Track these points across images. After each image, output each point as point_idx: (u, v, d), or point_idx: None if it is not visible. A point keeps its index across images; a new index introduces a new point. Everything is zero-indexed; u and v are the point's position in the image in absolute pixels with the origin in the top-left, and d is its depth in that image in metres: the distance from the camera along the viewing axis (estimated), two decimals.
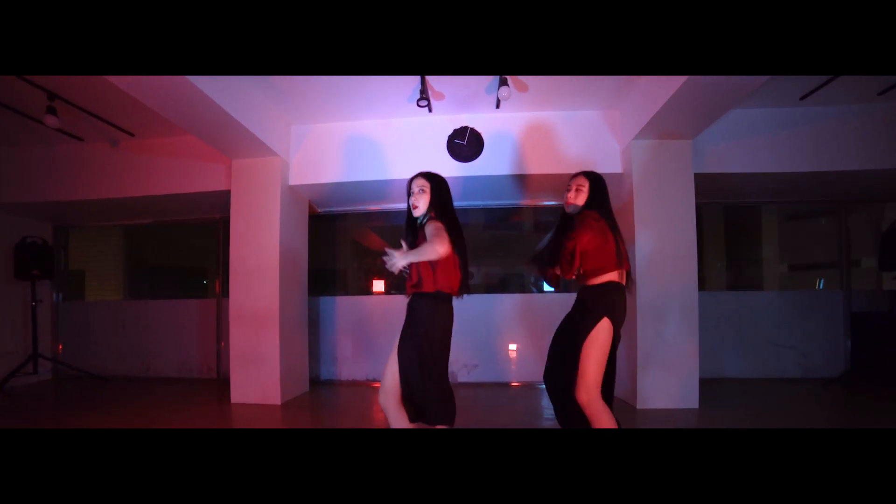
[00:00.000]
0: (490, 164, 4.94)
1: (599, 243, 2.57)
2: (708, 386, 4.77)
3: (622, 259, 2.64)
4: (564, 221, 2.84)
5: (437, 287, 2.51)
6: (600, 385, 2.49)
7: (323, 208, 6.17)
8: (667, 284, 4.47)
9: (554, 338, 2.83)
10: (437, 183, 2.64)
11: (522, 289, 6.31)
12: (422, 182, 2.60)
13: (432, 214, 2.57)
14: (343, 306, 6.14)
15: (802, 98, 4.56)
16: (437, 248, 2.28)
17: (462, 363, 5.86)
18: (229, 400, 4.84)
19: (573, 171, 4.80)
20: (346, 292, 6.39)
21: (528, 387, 5.66)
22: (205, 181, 5.34)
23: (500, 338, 5.94)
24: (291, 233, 5.15)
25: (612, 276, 2.61)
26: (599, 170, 4.76)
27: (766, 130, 4.81)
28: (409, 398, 2.47)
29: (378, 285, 6.40)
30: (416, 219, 2.63)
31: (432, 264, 2.47)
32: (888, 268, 5.25)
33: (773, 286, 6.56)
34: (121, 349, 6.62)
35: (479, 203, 6.05)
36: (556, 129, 4.91)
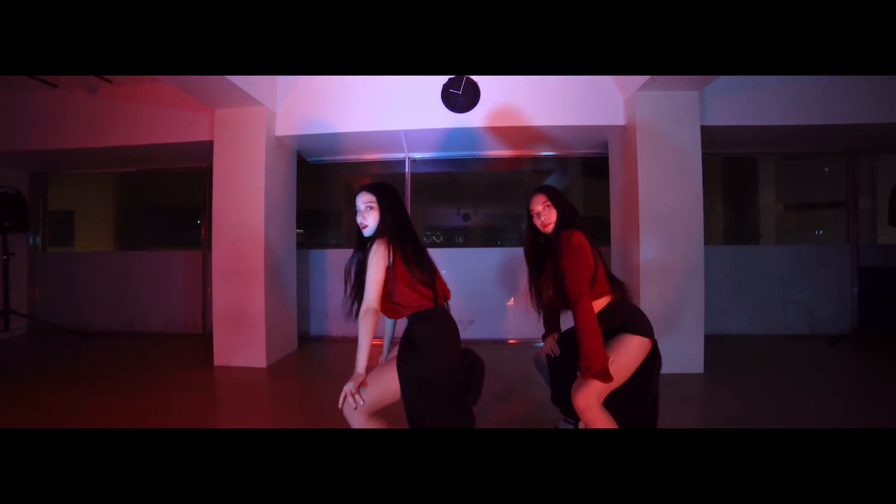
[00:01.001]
0: (486, 114, 4.65)
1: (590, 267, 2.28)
2: (712, 343, 4.61)
3: (604, 288, 2.37)
4: (540, 248, 2.56)
5: (412, 309, 2.21)
6: (603, 396, 2.16)
7: (313, 158, 5.87)
8: (671, 242, 4.25)
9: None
10: (385, 196, 2.29)
11: (519, 241, 6.08)
12: (368, 198, 2.24)
13: (378, 233, 2.22)
14: (334, 259, 5.92)
15: None
16: (371, 283, 2.07)
17: (457, 319, 5.60)
18: (213, 362, 4.64)
19: (574, 123, 4.58)
20: (338, 245, 6.15)
21: (525, 344, 5.51)
22: (187, 131, 5.04)
23: (498, 293, 5.76)
24: (278, 185, 4.88)
25: (609, 298, 2.38)
26: (601, 122, 4.57)
27: (775, 81, 4.50)
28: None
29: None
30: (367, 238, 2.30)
31: (390, 292, 2.17)
32: None
33: (773, 239, 6.45)
34: (102, 303, 6.39)
35: (476, 153, 5.78)
36: (556, 79, 4.60)
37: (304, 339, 5.77)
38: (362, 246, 2.28)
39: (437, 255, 5.98)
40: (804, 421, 3.06)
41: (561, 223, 2.37)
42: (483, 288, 5.73)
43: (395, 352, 2.28)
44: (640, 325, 2.28)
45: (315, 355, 5.13)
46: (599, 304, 2.32)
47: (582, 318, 2.11)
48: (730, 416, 3.21)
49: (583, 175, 6.27)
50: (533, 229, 2.51)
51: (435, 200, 6.66)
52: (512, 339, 5.68)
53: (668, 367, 4.10)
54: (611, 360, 2.09)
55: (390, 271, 2.13)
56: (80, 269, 6.48)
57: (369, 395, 2.02)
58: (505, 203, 6.55)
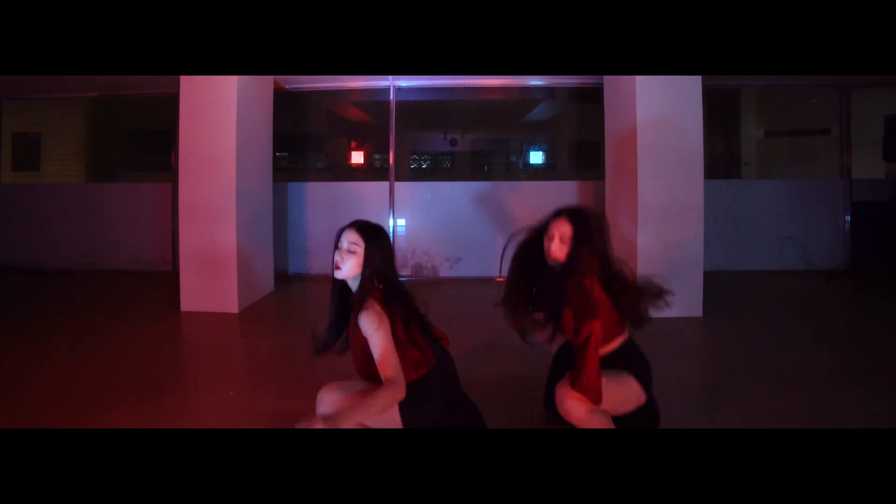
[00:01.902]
0: None
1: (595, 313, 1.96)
2: (709, 280, 4.45)
3: (624, 323, 2.10)
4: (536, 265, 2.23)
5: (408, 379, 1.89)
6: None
7: (292, 85, 5.43)
8: (670, 179, 4.02)
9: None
10: (374, 244, 1.94)
11: (508, 171, 5.84)
12: (354, 238, 1.92)
13: (366, 289, 1.92)
14: (315, 192, 5.64)
15: None
16: (385, 354, 1.81)
17: (444, 256, 5.49)
18: (179, 307, 4.32)
19: None
20: (319, 177, 5.80)
21: None
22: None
23: (485, 229, 5.50)
24: (252, 115, 4.50)
25: (618, 341, 2.10)
26: None
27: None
28: None
29: (357, 157, 5.89)
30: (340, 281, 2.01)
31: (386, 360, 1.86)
32: (891, 158, 5.01)
33: (754, 169, 6.47)
34: (64, 238, 6.01)
35: (462, 81, 5.41)
36: None
37: (283, 277, 5.51)
38: (339, 290, 2.04)
39: (422, 188, 5.85)
40: (808, 374, 2.85)
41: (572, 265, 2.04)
42: (470, 223, 5.49)
43: None
44: (641, 372, 2.07)
45: (293, 297, 4.92)
46: (609, 347, 2.06)
47: (588, 360, 1.86)
48: (735, 371, 2.98)
49: (575, 101, 5.95)
50: (534, 242, 2.20)
51: (421, 126, 6.36)
52: (501, 277, 5.42)
53: (666, 310, 3.97)
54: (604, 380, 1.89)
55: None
56: (40, 202, 6.08)
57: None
58: (492, 129, 6.28)
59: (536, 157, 6.39)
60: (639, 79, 3.97)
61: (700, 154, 4.01)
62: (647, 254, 4.05)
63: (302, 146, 6.16)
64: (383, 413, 1.78)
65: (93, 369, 2.97)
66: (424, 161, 6.74)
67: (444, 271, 5.47)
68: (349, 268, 1.91)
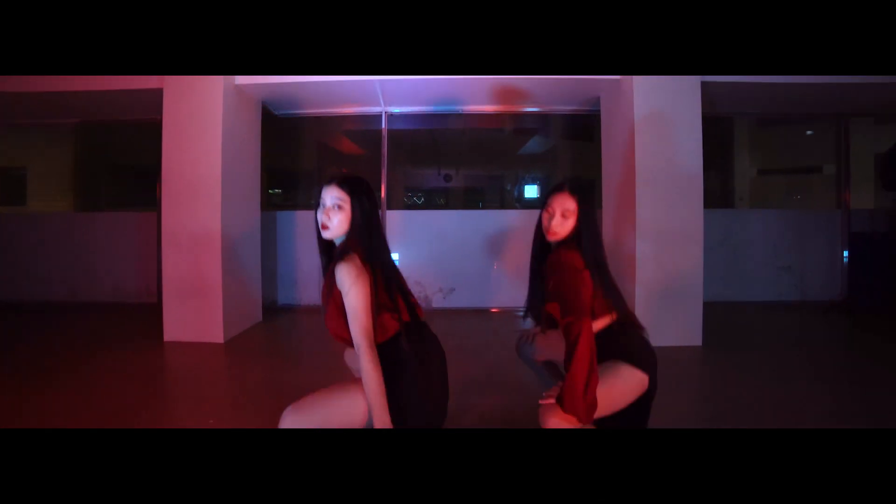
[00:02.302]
0: None
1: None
2: (705, 311, 4.38)
3: (602, 309, 1.93)
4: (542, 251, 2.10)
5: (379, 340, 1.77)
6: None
7: (281, 111, 5.36)
8: (669, 207, 3.95)
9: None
10: (359, 196, 1.84)
11: (502, 203, 5.77)
12: (338, 194, 1.80)
13: (350, 244, 1.81)
14: (305, 221, 5.49)
15: None
16: (360, 313, 1.67)
17: (437, 287, 5.37)
18: (162, 337, 4.15)
19: (563, 75, 4.09)
20: (309, 205, 5.70)
21: (509, 313, 5.21)
22: (133, 77, 4.35)
23: (480, 259, 5.42)
24: (239, 139, 4.39)
25: (605, 320, 1.95)
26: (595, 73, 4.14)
27: None
28: None
29: None
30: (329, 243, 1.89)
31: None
32: (890, 187, 4.92)
33: (747, 202, 6.49)
34: (41, 270, 5.82)
35: (456, 108, 5.34)
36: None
37: (272, 309, 5.36)
38: (327, 252, 1.91)
39: (416, 217, 5.75)
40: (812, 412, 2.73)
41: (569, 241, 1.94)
42: (464, 253, 5.39)
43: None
44: (642, 358, 1.90)
45: (281, 328, 4.74)
46: (596, 325, 1.89)
47: (580, 350, 1.67)
48: (737, 403, 2.87)
49: (569, 136, 5.93)
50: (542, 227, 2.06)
51: (415, 159, 6.31)
52: (494, 307, 5.37)
53: (665, 339, 3.87)
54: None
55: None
56: (20, 232, 5.90)
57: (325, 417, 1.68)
58: (487, 164, 6.24)
59: (532, 191, 6.35)
60: (637, 104, 3.94)
61: (699, 181, 3.96)
62: (646, 282, 3.98)
63: (291, 175, 6.07)
64: (381, 386, 1.63)
65: (66, 401, 2.80)
66: (419, 198, 6.69)
67: (438, 302, 5.35)
68: (337, 225, 1.79)
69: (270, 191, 5.02)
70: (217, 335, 4.11)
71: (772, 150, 6.47)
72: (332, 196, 1.79)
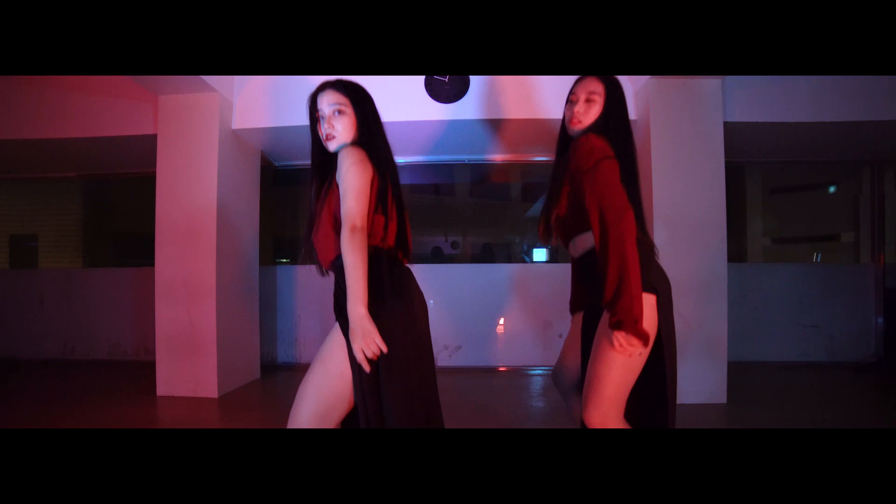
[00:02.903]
0: (476, 105, 4.12)
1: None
2: (730, 371, 4.15)
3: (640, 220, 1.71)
4: (563, 150, 1.88)
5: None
6: (622, 402, 1.59)
7: (281, 162, 5.32)
8: (690, 255, 3.75)
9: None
10: (360, 97, 1.69)
11: (510, 258, 5.62)
12: (336, 98, 1.64)
13: (353, 141, 1.65)
14: (305, 277, 5.35)
15: None
16: (353, 192, 1.50)
17: (443, 344, 5.15)
18: (155, 391, 4.02)
19: None
20: (311, 260, 5.60)
21: (516, 372, 4.99)
22: (127, 123, 4.36)
23: (487, 316, 5.22)
24: (235, 188, 4.29)
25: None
26: None
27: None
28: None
29: None
30: (330, 154, 1.70)
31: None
32: None
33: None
34: (37, 327, 5.72)
35: (462, 157, 5.29)
36: None
37: (270, 367, 5.15)
38: (323, 161, 1.72)
39: (420, 271, 5.49)
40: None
41: (596, 125, 1.72)
42: (471, 309, 5.20)
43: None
44: (660, 289, 1.69)
45: (279, 385, 4.52)
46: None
47: (618, 245, 1.47)
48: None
49: None
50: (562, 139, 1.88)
51: (420, 223, 6.24)
52: (503, 366, 5.14)
53: (688, 396, 3.59)
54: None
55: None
56: (14, 289, 5.84)
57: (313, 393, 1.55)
58: (495, 229, 6.20)
59: (541, 255, 6.24)
60: (655, 145, 3.80)
61: (723, 228, 3.78)
62: None
63: (293, 229, 6.00)
64: (364, 267, 1.43)
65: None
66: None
67: (443, 360, 5.13)
68: (343, 131, 1.63)
69: (279, 260, 4.92)
70: (211, 390, 3.94)
71: (785, 216, 6.34)
72: (329, 102, 1.64)
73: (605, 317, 1.55)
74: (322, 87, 1.67)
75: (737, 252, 6.07)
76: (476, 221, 6.22)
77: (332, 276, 1.68)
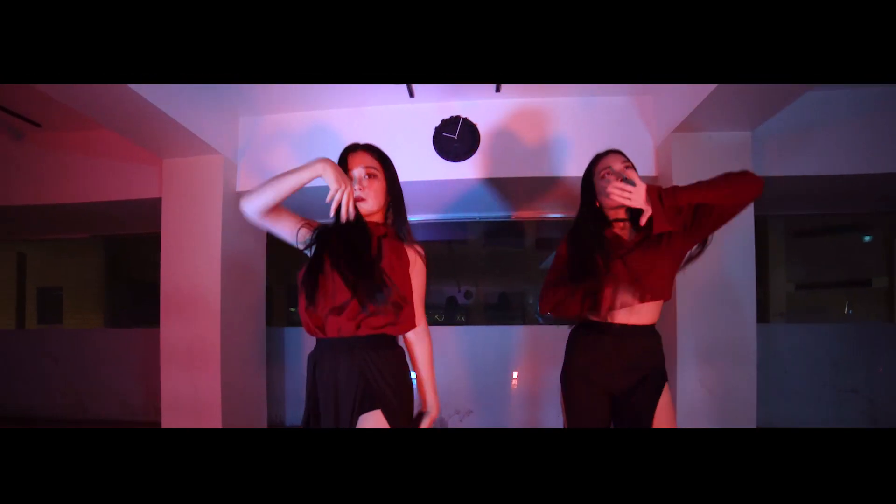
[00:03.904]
0: (487, 164, 4.08)
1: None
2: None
3: None
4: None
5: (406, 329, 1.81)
6: None
7: None
8: (715, 319, 3.57)
9: None
10: (388, 164, 1.77)
11: (524, 319, 5.51)
12: (369, 161, 1.71)
13: (400, 221, 1.78)
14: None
15: None
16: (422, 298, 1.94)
17: (454, 408, 5.03)
18: None
19: None
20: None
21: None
22: (133, 186, 4.43)
23: (499, 379, 5.11)
24: (241, 251, 4.28)
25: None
26: None
27: (843, 119, 3.79)
28: None
29: None
30: (357, 224, 1.70)
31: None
32: None
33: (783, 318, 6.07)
34: (49, 386, 5.79)
35: (473, 215, 5.25)
36: (572, 119, 4.00)
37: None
38: (357, 233, 1.69)
39: (433, 334, 5.41)
40: None
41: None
42: (483, 372, 5.10)
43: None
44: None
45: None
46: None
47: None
48: None
49: None
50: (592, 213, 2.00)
51: (432, 274, 6.21)
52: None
53: None
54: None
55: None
56: (17, 349, 5.95)
57: None
58: (507, 279, 6.15)
59: None
60: None
61: (752, 290, 3.58)
62: (688, 405, 3.57)
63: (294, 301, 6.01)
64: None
65: None
66: (440, 316, 6.54)
67: (454, 424, 5.02)
68: (375, 195, 1.68)
69: (293, 309, 4.89)
70: None
71: (811, 260, 6.15)
72: (363, 165, 1.68)
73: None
74: (353, 148, 1.73)
75: (761, 297, 5.88)
76: (489, 271, 6.22)
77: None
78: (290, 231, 1.77)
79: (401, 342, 1.81)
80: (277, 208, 1.75)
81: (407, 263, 1.72)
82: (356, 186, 1.68)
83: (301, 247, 1.77)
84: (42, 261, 7.01)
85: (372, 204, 1.69)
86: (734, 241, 3.55)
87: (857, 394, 4.95)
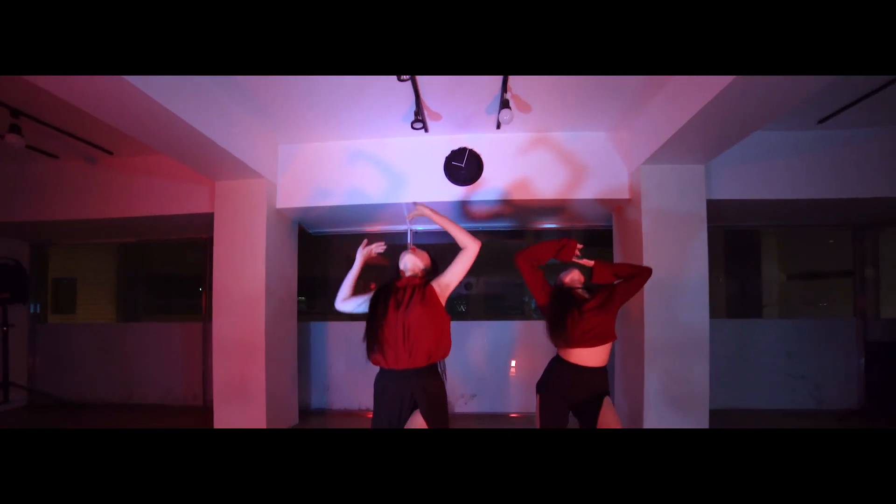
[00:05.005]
0: (490, 188, 4.69)
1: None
2: (719, 418, 4.62)
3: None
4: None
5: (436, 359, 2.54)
6: None
7: (314, 230, 5.93)
8: (675, 317, 4.24)
9: None
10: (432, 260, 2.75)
11: (522, 314, 6.09)
12: (416, 262, 2.64)
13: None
14: (335, 332, 5.90)
15: (821, 121, 4.32)
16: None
17: (459, 393, 5.63)
18: None
19: (579, 197, 4.57)
20: (339, 317, 6.12)
21: (527, 418, 5.43)
22: (188, 203, 5.06)
23: (499, 367, 5.71)
24: (279, 258, 4.88)
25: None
26: (605, 195, 4.57)
27: (783, 154, 4.54)
28: None
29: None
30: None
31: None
32: None
33: (776, 311, 6.46)
34: (101, 374, 6.33)
35: (479, 226, 5.78)
36: (560, 150, 4.64)
37: (305, 412, 5.68)
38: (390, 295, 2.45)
39: None
40: None
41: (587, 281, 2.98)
42: (485, 361, 5.69)
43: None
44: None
45: (317, 428, 5.02)
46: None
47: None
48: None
49: (586, 245, 6.28)
50: (562, 291, 2.91)
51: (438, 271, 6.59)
52: (514, 412, 5.60)
53: None
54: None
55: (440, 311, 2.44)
56: (78, 340, 6.45)
57: None
58: (507, 273, 6.55)
59: None
60: (645, 221, 4.29)
61: (705, 292, 4.22)
62: (654, 389, 4.21)
63: (322, 288, 6.49)
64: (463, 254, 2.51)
65: None
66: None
67: (460, 407, 5.59)
68: (415, 266, 2.59)
69: (300, 298, 5.45)
70: None
71: (800, 255, 6.55)
72: (411, 259, 2.59)
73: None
74: (406, 252, 2.63)
75: (754, 294, 6.46)
76: (487, 265, 6.51)
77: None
78: (359, 303, 2.65)
79: (440, 368, 2.53)
80: (349, 296, 2.69)
81: (433, 300, 2.42)
82: (403, 264, 2.60)
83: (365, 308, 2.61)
84: (57, 255, 7.12)
85: (412, 273, 2.57)
86: (691, 254, 4.25)
87: (806, 379, 5.66)
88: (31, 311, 6.51)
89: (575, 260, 2.97)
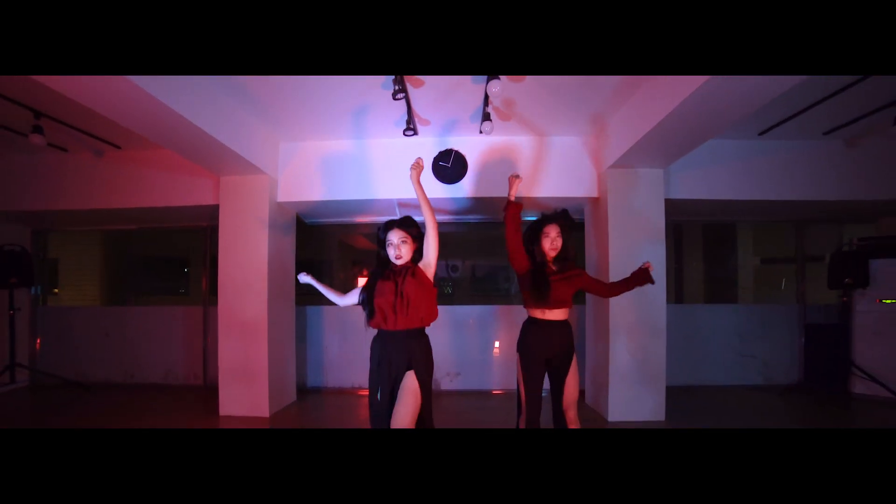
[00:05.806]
0: (473, 185, 5.05)
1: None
2: (679, 395, 5.17)
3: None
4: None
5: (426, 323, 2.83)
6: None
7: (311, 220, 6.25)
8: (638, 303, 4.69)
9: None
10: (416, 232, 2.82)
11: (507, 299, 6.50)
12: (402, 235, 2.76)
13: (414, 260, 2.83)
14: (329, 315, 6.27)
15: (761, 133, 4.92)
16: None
17: (445, 371, 6.04)
18: (216, 411, 4.92)
19: (553, 195, 5.04)
20: (332, 302, 6.45)
21: (508, 395, 5.84)
22: (192, 195, 5.37)
23: (481, 347, 6.12)
24: (279, 247, 5.20)
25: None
26: (576, 194, 4.98)
27: (727, 160, 5.13)
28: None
29: (363, 282, 6.50)
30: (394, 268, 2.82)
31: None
32: (834, 286, 5.70)
33: (751, 294, 7.07)
34: (103, 355, 6.59)
35: (462, 218, 6.17)
36: (537, 153, 5.04)
37: (302, 390, 6.04)
38: (384, 275, 2.77)
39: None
40: None
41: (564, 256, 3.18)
42: (469, 342, 6.09)
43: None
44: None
45: (314, 406, 5.43)
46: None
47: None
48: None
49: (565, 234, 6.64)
50: (534, 250, 3.19)
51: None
52: (496, 389, 6.02)
53: (634, 414, 4.62)
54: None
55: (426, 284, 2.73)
56: (79, 322, 6.68)
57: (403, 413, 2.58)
58: (490, 257, 6.90)
59: None
60: (611, 217, 4.75)
61: (663, 282, 4.71)
62: (618, 365, 4.70)
63: (317, 273, 6.73)
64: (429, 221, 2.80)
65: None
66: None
67: (445, 384, 6.00)
68: (406, 253, 2.73)
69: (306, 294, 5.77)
70: (263, 410, 4.86)
71: (772, 243, 7.14)
72: (398, 237, 2.73)
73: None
74: (391, 226, 2.78)
75: (729, 280, 7.07)
76: (474, 248, 6.93)
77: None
78: (356, 293, 2.96)
79: (427, 332, 2.85)
80: (343, 293, 3.09)
81: (423, 276, 2.74)
82: (393, 251, 2.73)
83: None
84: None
85: (404, 259, 2.75)
86: (651, 247, 4.72)
87: (755, 358, 6.28)
88: (33, 292, 6.71)
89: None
